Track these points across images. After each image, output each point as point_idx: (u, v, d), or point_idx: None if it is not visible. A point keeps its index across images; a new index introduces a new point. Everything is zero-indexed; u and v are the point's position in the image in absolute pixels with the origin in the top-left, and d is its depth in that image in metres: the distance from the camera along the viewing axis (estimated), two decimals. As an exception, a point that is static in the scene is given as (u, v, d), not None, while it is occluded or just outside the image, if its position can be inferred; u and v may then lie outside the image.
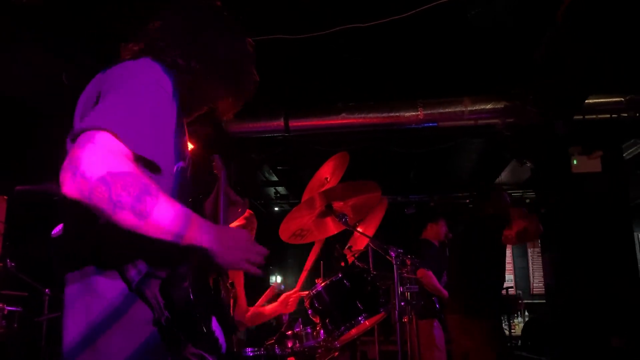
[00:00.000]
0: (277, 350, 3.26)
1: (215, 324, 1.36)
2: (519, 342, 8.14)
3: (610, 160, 5.55)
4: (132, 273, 1.27)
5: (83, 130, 1.19)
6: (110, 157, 1.15)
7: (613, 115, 4.89)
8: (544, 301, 7.03)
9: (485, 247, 4.18)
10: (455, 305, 4.29)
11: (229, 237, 1.33)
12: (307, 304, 3.10)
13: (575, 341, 5.26)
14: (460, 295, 4.25)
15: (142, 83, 1.35)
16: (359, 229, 3.39)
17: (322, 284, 2.99)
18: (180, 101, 1.46)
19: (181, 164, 1.45)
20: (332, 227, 3.38)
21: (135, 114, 1.26)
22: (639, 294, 5.51)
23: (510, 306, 7.55)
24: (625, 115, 4.85)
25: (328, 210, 3.19)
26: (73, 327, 1.27)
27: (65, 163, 1.14)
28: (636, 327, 5.16)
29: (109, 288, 1.27)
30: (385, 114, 5.06)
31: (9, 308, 4.30)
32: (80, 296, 1.29)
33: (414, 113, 5.02)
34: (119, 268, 1.27)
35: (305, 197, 3.34)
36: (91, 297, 1.27)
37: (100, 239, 1.27)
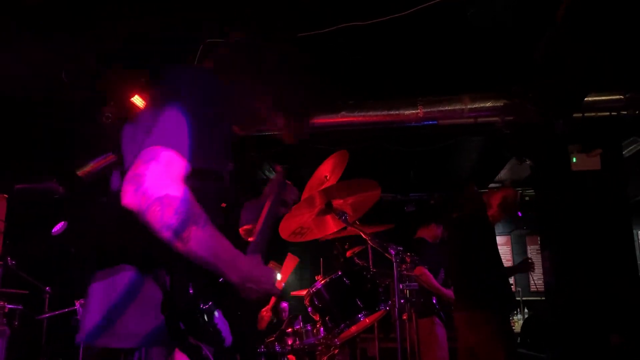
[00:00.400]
0: (277, 348, 3.28)
1: (220, 318, 1.40)
2: (519, 339, 8.16)
3: (609, 158, 5.56)
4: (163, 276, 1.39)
5: (149, 146, 1.34)
6: (170, 181, 1.30)
7: (613, 113, 4.89)
8: (543, 298, 7.04)
9: (481, 245, 4.19)
10: (460, 303, 4.30)
11: (254, 278, 1.45)
12: (307, 301, 3.11)
13: (574, 339, 5.26)
14: (465, 293, 4.25)
15: (203, 95, 1.50)
16: (358, 226, 3.39)
17: (322, 282, 3.00)
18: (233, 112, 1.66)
19: (230, 167, 1.63)
20: (332, 225, 3.39)
21: (196, 128, 1.40)
22: (638, 292, 5.52)
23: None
24: (625, 112, 4.85)
25: (327, 208, 3.19)
26: (96, 312, 1.41)
27: (130, 175, 1.30)
28: (635, 325, 5.17)
29: (135, 283, 1.40)
30: (385, 112, 5.06)
31: (10, 306, 4.32)
32: (107, 288, 1.41)
33: (413, 111, 5.01)
34: (151, 270, 1.40)
35: (304, 195, 3.34)
36: (114, 289, 1.40)
37: (142, 244, 1.38)
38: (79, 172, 5.70)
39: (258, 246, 1.68)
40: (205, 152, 1.43)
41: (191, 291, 1.36)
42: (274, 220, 2.00)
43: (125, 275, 1.40)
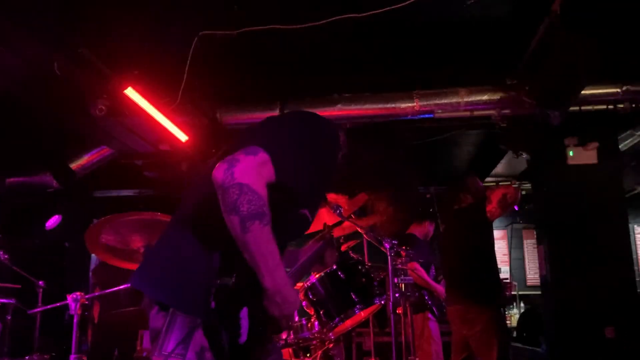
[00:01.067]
0: (272, 342, 3.25)
1: (244, 315, 1.52)
2: (515, 333, 8.18)
3: (606, 152, 5.55)
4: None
5: (255, 144, 1.53)
6: (256, 175, 1.46)
7: (609, 107, 4.88)
8: (539, 292, 7.04)
9: (477, 238, 4.18)
10: (453, 296, 4.30)
11: (284, 294, 1.54)
12: (301, 295, 3.09)
13: (569, 332, 5.27)
14: (458, 286, 4.25)
15: (317, 134, 1.74)
16: (353, 220, 3.38)
17: (317, 276, 2.98)
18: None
19: (306, 212, 1.75)
20: (327, 218, 3.36)
21: (297, 151, 1.62)
22: (633, 285, 5.53)
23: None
24: (622, 106, 4.83)
25: (323, 202, 3.17)
26: (147, 261, 1.68)
27: (229, 157, 1.47)
28: (630, 318, 5.18)
29: (191, 247, 1.57)
30: (381, 105, 5.03)
31: (2, 300, 4.29)
32: (165, 245, 1.65)
33: (410, 104, 4.99)
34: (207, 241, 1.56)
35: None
36: (169, 248, 1.62)
37: (209, 221, 1.53)
38: (73, 166, 5.67)
39: (292, 277, 1.79)
40: (300, 178, 1.61)
41: (233, 279, 1.47)
42: (308, 269, 2.17)
43: (184, 244, 1.57)
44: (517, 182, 8.12)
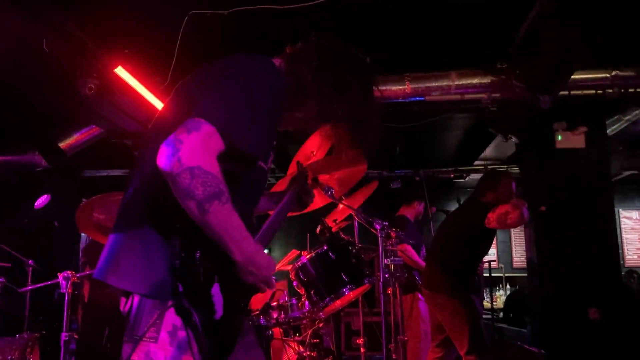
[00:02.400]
0: (262, 321, 3.29)
1: (217, 291, 1.44)
2: (501, 314, 8.30)
3: (594, 137, 5.60)
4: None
5: (195, 116, 1.41)
6: (205, 154, 1.37)
7: (598, 91, 4.91)
8: (525, 275, 7.14)
9: (470, 235, 4.17)
10: (427, 280, 4.33)
11: (256, 262, 1.49)
12: (292, 275, 3.12)
13: (554, 313, 5.37)
14: (433, 273, 4.28)
15: (254, 80, 1.58)
16: (344, 202, 3.40)
17: (308, 256, 3.00)
18: (283, 110, 1.72)
19: (261, 163, 1.65)
20: (318, 200, 3.38)
21: (242, 110, 1.50)
22: (617, 268, 5.63)
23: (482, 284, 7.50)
24: (611, 91, 4.87)
25: (314, 183, 3.18)
26: (108, 251, 1.53)
27: (170, 138, 1.36)
28: (613, 300, 5.28)
29: (152, 236, 1.48)
30: (376, 91, 5.02)
31: (-8, 279, 4.28)
32: (122, 234, 1.53)
33: (401, 87, 4.99)
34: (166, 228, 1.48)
35: (290, 170, 3.33)
36: (128, 236, 1.51)
37: (164, 205, 1.45)
38: (62, 145, 5.63)
39: (264, 237, 1.71)
40: (250, 137, 1.51)
41: (197, 257, 1.41)
42: (285, 216, 2.06)
43: (142, 228, 1.49)
44: (485, 166, 8.10)
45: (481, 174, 8.48)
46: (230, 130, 1.43)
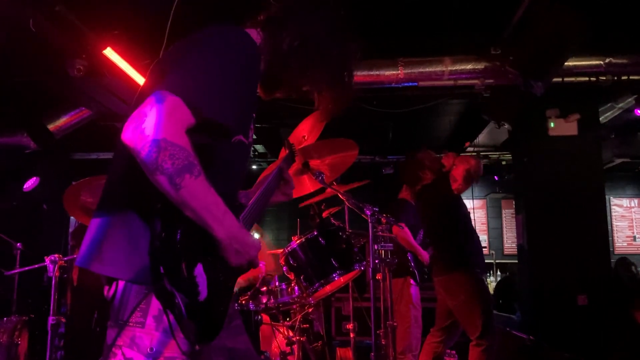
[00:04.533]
0: (252, 306, 3.28)
1: (200, 271, 1.40)
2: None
3: (586, 124, 5.61)
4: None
5: (160, 89, 1.34)
6: (170, 126, 1.29)
7: (592, 79, 4.90)
8: (516, 261, 7.19)
9: (446, 213, 4.23)
10: (436, 268, 4.37)
11: (240, 239, 1.45)
12: (282, 260, 3.10)
13: (543, 299, 5.40)
14: (440, 259, 4.31)
15: (224, 50, 1.50)
16: (334, 187, 3.37)
17: (298, 241, 2.99)
18: (262, 78, 1.67)
19: (241, 138, 1.59)
20: (309, 185, 3.36)
21: (210, 80, 1.41)
22: (607, 255, 5.66)
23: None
24: (604, 78, 4.86)
25: (305, 168, 3.16)
26: (90, 238, 1.47)
27: (134, 114, 1.30)
28: (602, 287, 5.32)
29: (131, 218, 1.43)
30: (365, 72, 4.99)
31: (-20, 262, 4.25)
32: (103, 219, 1.47)
33: (394, 72, 4.96)
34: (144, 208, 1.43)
35: (281, 154, 3.30)
36: (109, 221, 1.45)
37: (141, 185, 1.38)
38: (51, 127, 5.57)
39: (248, 216, 1.67)
40: (221, 106, 1.44)
41: (178, 238, 1.36)
42: (271, 194, 2.00)
43: (123, 211, 1.44)
44: (477, 152, 8.18)
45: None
46: (197, 100, 1.36)
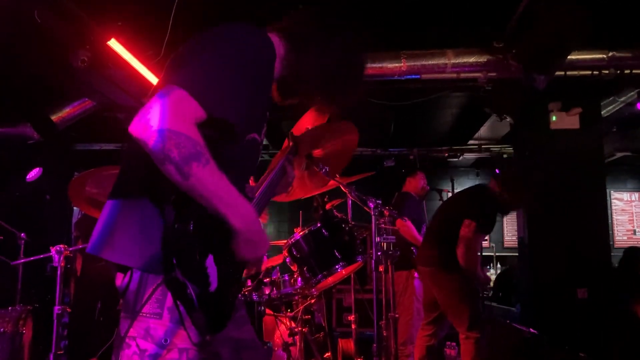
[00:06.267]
0: (255, 297, 3.31)
1: (211, 262, 1.41)
2: (491, 293, 8.38)
3: (588, 118, 5.61)
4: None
5: (169, 83, 1.37)
6: (176, 116, 1.31)
7: (594, 72, 4.90)
8: (516, 254, 7.21)
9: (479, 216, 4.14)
10: (426, 258, 4.31)
11: (256, 229, 1.46)
12: (285, 252, 3.12)
13: (543, 292, 5.43)
14: (435, 249, 4.27)
15: (237, 47, 1.51)
16: (338, 180, 3.38)
17: (301, 233, 3.01)
18: (278, 84, 1.70)
19: (255, 136, 1.61)
20: (312, 186, 3.35)
21: (222, 75, 1.43)
22: (607, 248, 5.68)
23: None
24: (607, 72, 4.86)
25: (308, 161, 3.17)
26: (102, 225, 1.49)
27: (142, 108, 1.33)
28: (602, 280, 5.34)
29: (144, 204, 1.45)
30: (368, 65, 4.99)
31: (-16, 252, 4.27)
32: (116, 207, 1.49)
33: (397, 64, 4.96)
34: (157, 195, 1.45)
35: (284, 146, 3.30)
36: (122, 209, 1.48)
37: (155, 175, 1.39)
38: (54, 118, 5.58)
39: (255, 208, 1.66)
40: (231, 103, 1.44)
41: (191, 229, 1.37)
42: (275, 187, 2.00)
43: (137, 200, 1.46)
44: (479, 145, 8.15)
45: (475, 154, 8.57)
46: (206, 96, 1.37)
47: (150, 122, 1.29)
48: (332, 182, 3.44)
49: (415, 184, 5.65)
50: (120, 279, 1.47)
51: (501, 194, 4.19)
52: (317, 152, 3.13)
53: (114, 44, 4.11)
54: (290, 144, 2.33)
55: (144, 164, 1.40)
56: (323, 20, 1.77)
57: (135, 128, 1.31)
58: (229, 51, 1.49)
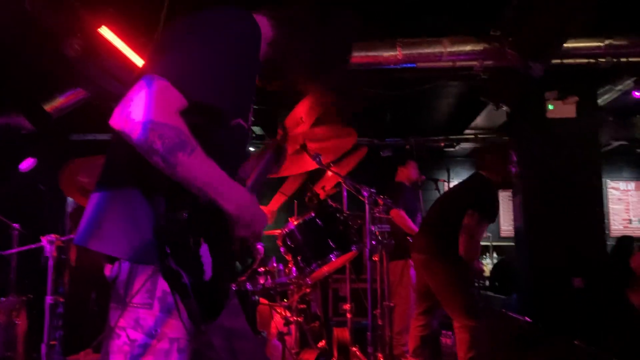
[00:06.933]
0: (249, 287, 3.30)
1: (205, 251, 1.40)
2: (487, 282, 8.40)
3: (584, 107, 5.59)
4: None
5: (149, 73, 1.33)
6: (157, 107, 1.28)
7: (591, 60, 4.88)
8: (513, 244, 7.21)
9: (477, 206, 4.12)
10: (421, 245, 4.29)
11: (252, 213, 1.48)
12: (279, 241, 3.11)
13: (540, 282, 5.43)
14: (431, 237, 4.25)
15: (222, 32, 1.48)
16: (332, 169, 3.37)
17: (295, 222, 2.99)
18: (263, 66, 1.67)
19: (240, 121, 1.58)
20: (308, 163, 3.34)
21: (204, 62, 1.40)
22: (603, 238, 5.69)
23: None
24: (603, 60, 4.83)
25: (302, 150, 3.16)
26: (89, 215, 1.47)
27: (123, 99, 1.31)
28: (598, 269, 5.35)
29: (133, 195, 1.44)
30: (363, 53, 4.96)
31: (-23, 242, 4.25)
32: (105, 197, 1.47)
33: (392, 53, 4.93)
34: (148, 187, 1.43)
35: (279, 135, 3.28)
36: (110, 199, 1.45)
37: (144, 166, 1.36)
38: (47, 108, 5.54)
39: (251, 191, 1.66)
40: (215, 89, 1.42)
41: (184, 216, 1.37)
42: (266, 176, 1.99)
43: (125, 189, 1.44)
44: (476, 135, 8.12)
45: (471, 143, 8.55)
46: (187, 83, 1.35)
47: (132, 115, 1.28)
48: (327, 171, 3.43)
49: (407, 173, 5.64)
50: (109, 269, 1.46)
51: (490, 176, 4.24)
52: (311, 146, 3.11)
53: (105, 31, 4.07)
54: (281, 132, 2.32)
55: (130, 153, 1.37)
56: (313, 2, 1.75)
57: (116, 121, 1.30)
58: (211, 36, 1.46)
